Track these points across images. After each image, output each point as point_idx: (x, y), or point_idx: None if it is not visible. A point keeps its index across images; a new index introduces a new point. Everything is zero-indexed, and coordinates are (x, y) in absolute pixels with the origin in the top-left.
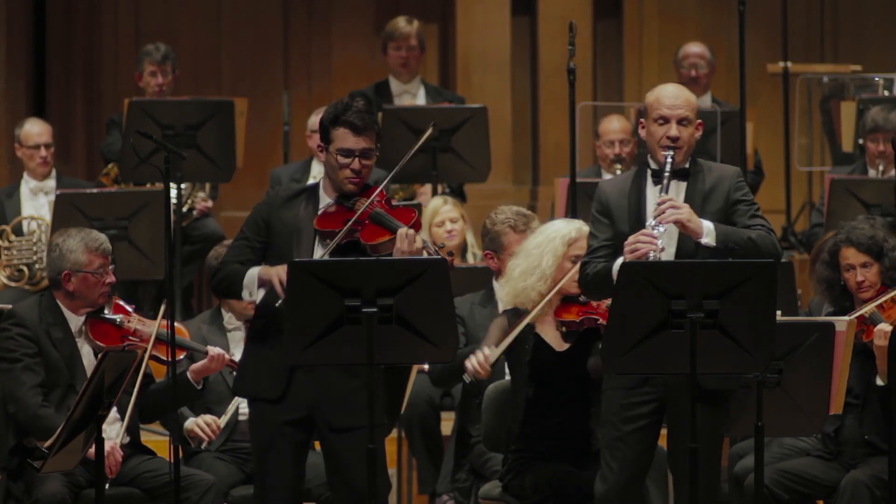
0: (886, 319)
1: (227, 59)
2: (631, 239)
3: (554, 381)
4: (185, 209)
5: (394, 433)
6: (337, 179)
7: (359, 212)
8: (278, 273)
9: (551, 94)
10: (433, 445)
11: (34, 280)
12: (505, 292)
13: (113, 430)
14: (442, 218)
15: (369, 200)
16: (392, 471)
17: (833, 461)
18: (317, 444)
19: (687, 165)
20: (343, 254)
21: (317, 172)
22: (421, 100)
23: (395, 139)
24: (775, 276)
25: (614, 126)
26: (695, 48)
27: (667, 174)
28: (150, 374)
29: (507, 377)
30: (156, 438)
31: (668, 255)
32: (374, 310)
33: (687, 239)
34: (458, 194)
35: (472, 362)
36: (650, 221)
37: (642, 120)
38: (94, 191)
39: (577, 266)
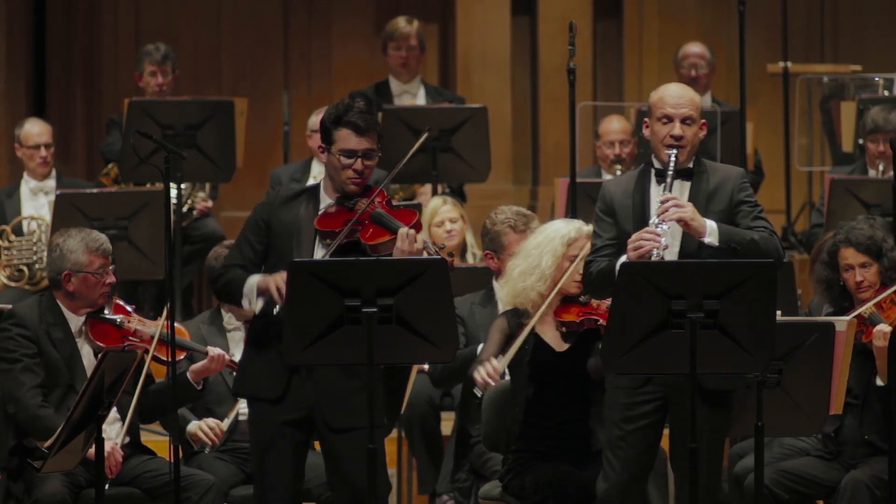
0: (886, 320)
1: (227, 59)
2: (634, 236)
3: (554, 382)
4: (185, 209)
5: (394, 433)
6: (339, 180)
7: (360, 211)
8: (276, 281)
9: (551, 94)
10: (433, 445)
11: (34, 280)
12: (504, 292)
13: (113, 430)
14: (441, 218)
15: (370, 200)
16: (392, 471)
17: (833, 461)
18: (317, 444)
19: (691, 165)
20: (343, 254)
21: (317, 172)
22: (421, 100)
23: (395, 139)
24: (775, 276)
25: (614, 126)
26: (695, 48)
27: (670, 173)
28: (150, 374)
29: (507, 377)
30: (156, 438)
31: (672, 253)
32: (374, 310)
33: (690, 238)
34: (458, 194)
35: (480, 374)
36: (653, 219)
37: (646, 119)
38: (94, 191)
39: (575, 265)
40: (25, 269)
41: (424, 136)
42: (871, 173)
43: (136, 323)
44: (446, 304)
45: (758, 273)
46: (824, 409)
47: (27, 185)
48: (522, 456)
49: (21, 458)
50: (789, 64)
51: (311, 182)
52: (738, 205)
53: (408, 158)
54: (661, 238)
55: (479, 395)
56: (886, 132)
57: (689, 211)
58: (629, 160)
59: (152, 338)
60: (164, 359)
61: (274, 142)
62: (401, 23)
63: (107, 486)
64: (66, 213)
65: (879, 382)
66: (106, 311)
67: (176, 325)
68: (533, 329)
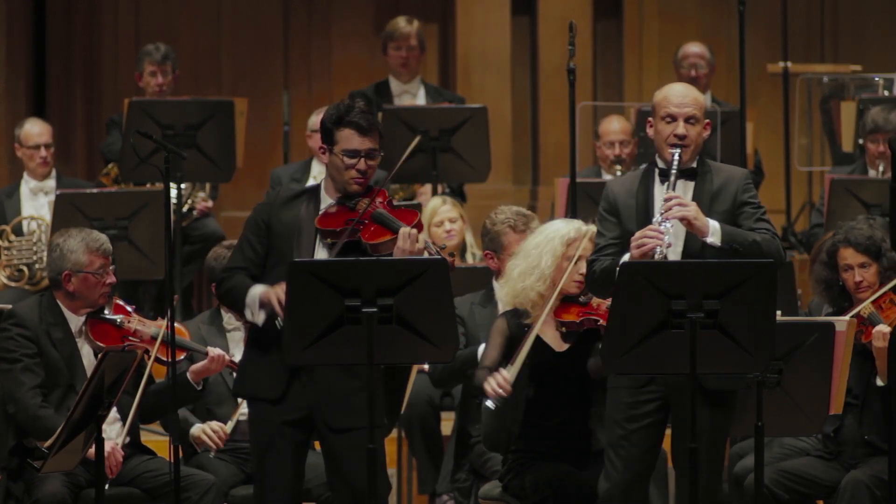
0: (885, 320)
1: (227, 59)
2: (638, 234)
3: (554, 382)
4: (185, 209)
5: (394, 433)
6: (342, 180)
7: (362, 210)
8: (277, 293)
9: (551, 94)
10: (433, 445)
11: (34, 280)
12: (504, 293)
13: (113, 431)
14: (441, 218)
15: (371, 199)
16: (392, 471)
17: (833, 461)
18: (317, 444)
19: (694, 165)
20: (344, 254)
21: (317, 172)
22: (421, 100)
23: (395, 139)
24: (775, 276)
25: (614, 127)
26: (694, 48)
27: (674, 172)
28: (150, 374)
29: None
30: (156, 438)
31: (675, 253)
32: (374, 310)
33: (694, 238)
34: (458, 194)
35: (491, 385)
36: (657, 217)
37: (650, 119)
38: (94, 191)
39: (574, 265)
40: (25, 269)
41: (416, 140)
42: (871, 173)
43: (137, 323)
44: (446, 305)
45: (758, 273)
46: (824, 409)
47: (27, 185)
48: (522, 456)
49: (21, 458)
50: (789, 64)
51: (311, 182)
52: (741, 206)
53: (401, 163)
54: (664, 236)
55: (492, 407)
56: (886, 132)
57: (693, 210)
58: (629, 161)
59: (152, 338)
60: (165, 359)
61: (274, 142)
62: (401, 23)
63: (107, 486)
64: (66, 213)
65: (879, 383)
66: (106, 312)
67: (176, 325)
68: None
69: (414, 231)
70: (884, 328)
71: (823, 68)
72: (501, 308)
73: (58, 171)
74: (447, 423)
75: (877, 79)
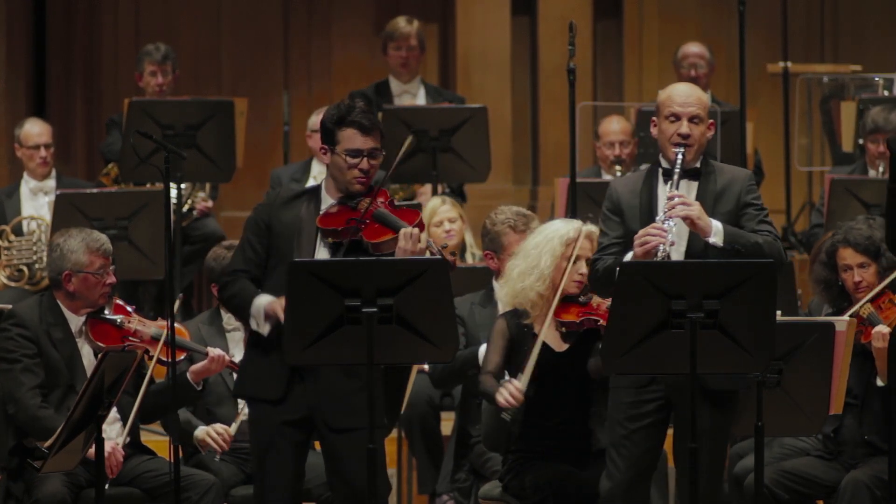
0: (884, 321)
1: (227, 59)
2: (641, 232)
3: (554, 382)
4: (185, 209)
5: (394, 433)
6: (344, 180)
7: (364, 209)
8: (282, 306)
9: (551, 94)
10: (433, 445)
11: (34, 280)
12: (504, 293)
13: (113, 431)
14: (440, 218)
15: (372, 199)
16: (392, 471)
17: (833, 461)
18: (317, 444)
19: (698, 165)
20: (345, 254)
21: (317, 172)
22: (421, 100)
23: (395, 139)
24: (775, 277)
25: (614, 127)
26: (694, 48)
27: (677, 171)
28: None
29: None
30: (156, 438)
31: (679, 253)
32: (374, 310)
33: (697, 238)
34: (458, 194)
35: (503, 396)
36: (660, 216)
37: (654, 118)
38: (94, 191)
39: (573, 265)
40: (25, 269)
41: (408, 141)
42: (872, 173)
43: (137, 323)
44: (446, 305)
45: (758, 273)
46: (824, 409)
47: (27, 185)
48: (522, 456)
49: (21, 458)
50: (789, 64)
51: (311, 182)
52: (745, 207)
53: (396, 163)
54: (667, 234)
55: (507, 418)
56: (886, 132)
57: (696, 209)
58: (629, 161)
59: (152, 338)
60: (165, 359)
61: (274, 142)
62: (401, 23)
63: (107, 486)
64: (66, 213)
65: (879, 383)
66: (106, 312)
67: (176, 325)
68: (532, 329)
69: (415, 231)
70: (883, 329)
71: (823, 68)
72: (501, 308)
73: (58, 171)
74: (447, 423)
75: (877, 79)
